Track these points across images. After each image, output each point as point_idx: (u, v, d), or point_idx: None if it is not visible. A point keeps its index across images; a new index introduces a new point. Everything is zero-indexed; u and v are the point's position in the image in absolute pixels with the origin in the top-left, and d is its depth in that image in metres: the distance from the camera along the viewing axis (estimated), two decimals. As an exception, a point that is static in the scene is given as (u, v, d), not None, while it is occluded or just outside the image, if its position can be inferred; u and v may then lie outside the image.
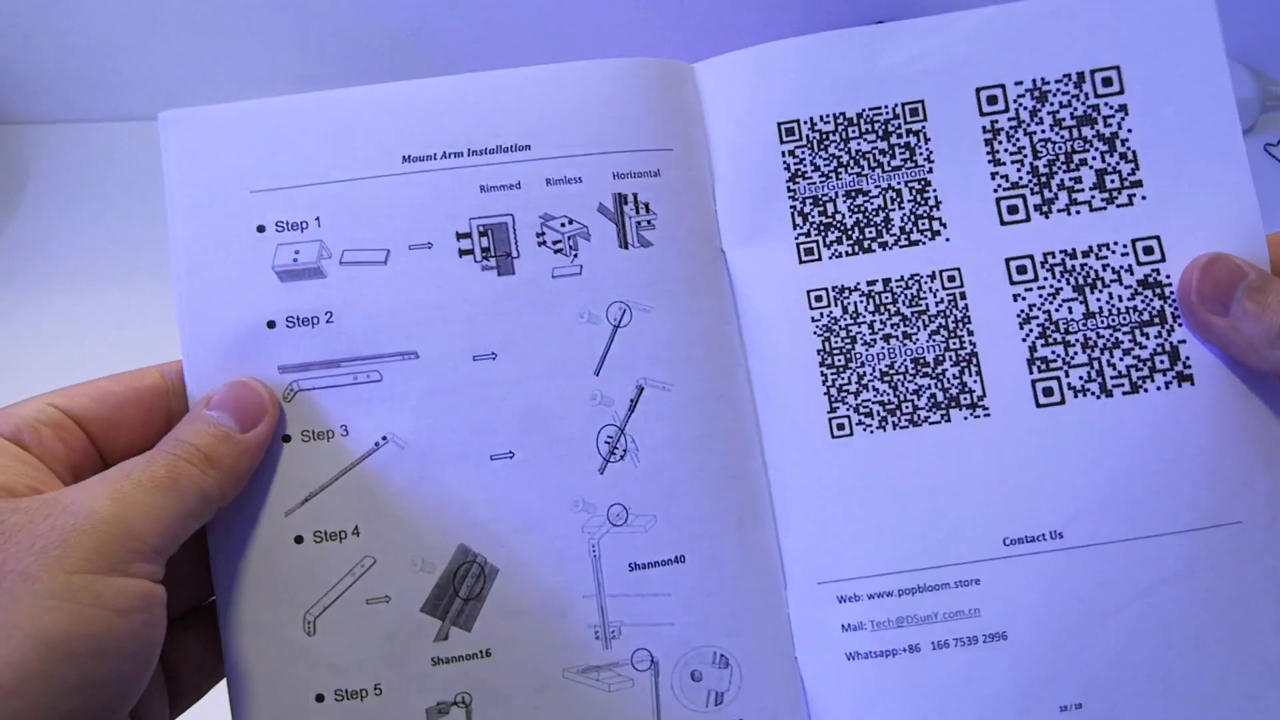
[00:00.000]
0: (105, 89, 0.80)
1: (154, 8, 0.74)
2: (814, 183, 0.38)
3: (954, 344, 0.37)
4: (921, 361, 0.37)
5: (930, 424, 0.37)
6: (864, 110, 0.38)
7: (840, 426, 0.37)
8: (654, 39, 0.77)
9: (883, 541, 0.36)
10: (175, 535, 0.31)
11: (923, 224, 0.38)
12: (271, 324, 0.36)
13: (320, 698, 0.34)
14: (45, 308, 0.76)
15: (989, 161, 0.38)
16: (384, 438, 0.36)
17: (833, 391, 0.37)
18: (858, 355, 0.37)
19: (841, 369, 0.37)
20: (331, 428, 0.36)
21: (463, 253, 0.36)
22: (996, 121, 0.38)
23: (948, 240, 0.38)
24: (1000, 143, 0.38)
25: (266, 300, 0.36)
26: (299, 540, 0.35)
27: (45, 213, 0.79)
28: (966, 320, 0.37)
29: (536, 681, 0.35)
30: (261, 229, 0.36)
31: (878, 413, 0.37)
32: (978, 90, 0.38)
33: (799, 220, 0.38)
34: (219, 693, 0.36)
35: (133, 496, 0.30)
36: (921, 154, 0.38)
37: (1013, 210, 0.37)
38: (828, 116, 0.38)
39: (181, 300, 0.36)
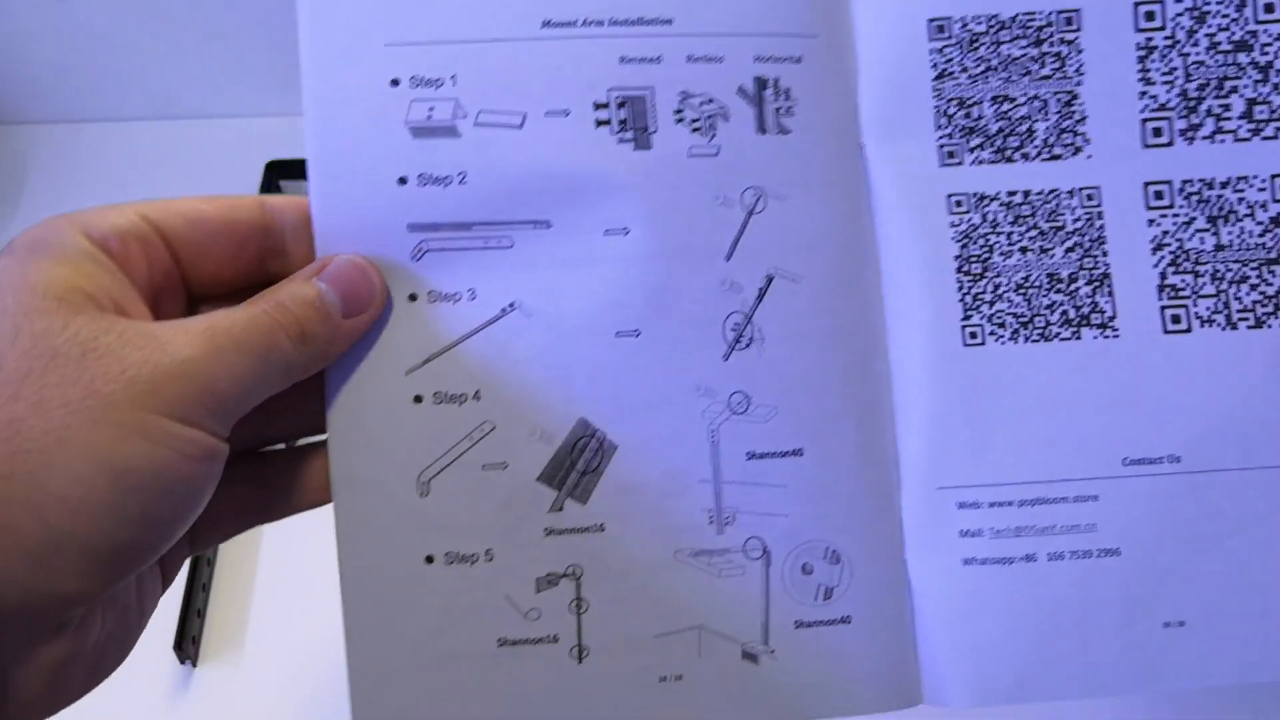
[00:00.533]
0: (105, 89, 0.80)
1: (154, 8, 0.74)
2: (960, 84, 0.37)
3: (1088, 263, 0.37)
4: (1056, 277, 0.37)
5: (1061, 340, 0.36)
6: (1018, 14, 0.37)
7: (973, 335, 0.36)
8: None
9: (1007, 452, 0.36)
10: (250, 402, 0.31)
11: (1066, 138, 0.37)
12: (403, 180, 0.35)
13: (430, 559, 0.34)
14: None
15: (1139, 80, 0.37)
16: (511, 304, 0.35)
17: (968, 299, 0.37)
18: (994, 265, 0.37)
19: (978, 277, 0.37)
20: (459, 290, 0.35)
21: (599, 123, 0.35)
22: (1152, 39, 0.37)
23: (1089, 158, 0.37)
24: (1153, 62, 0.37)
25: (399, 156, 0.35)
26: (418, 400, 0.34)
27: (45, 213, 0.77)
28: (1101, 240, 0.37)
29: (648, 560, 0.35)
30: (396, 83, 0.35)
31: (1010, 324, 0.37)
32: (1136, 5, 0.37)
33: (943, 121, 0.37)
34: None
35: (226, 355, 0.29)
36: (1072, 65, 0.37)
37: (1157, 133, 0.37)
38: (980, 17, 0.37)
39: (313, 152, 0.35)
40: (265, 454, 0.36)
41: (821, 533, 0.36)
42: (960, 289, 0.37)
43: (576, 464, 0.34)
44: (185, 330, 0.29)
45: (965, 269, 0.37)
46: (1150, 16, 0.37)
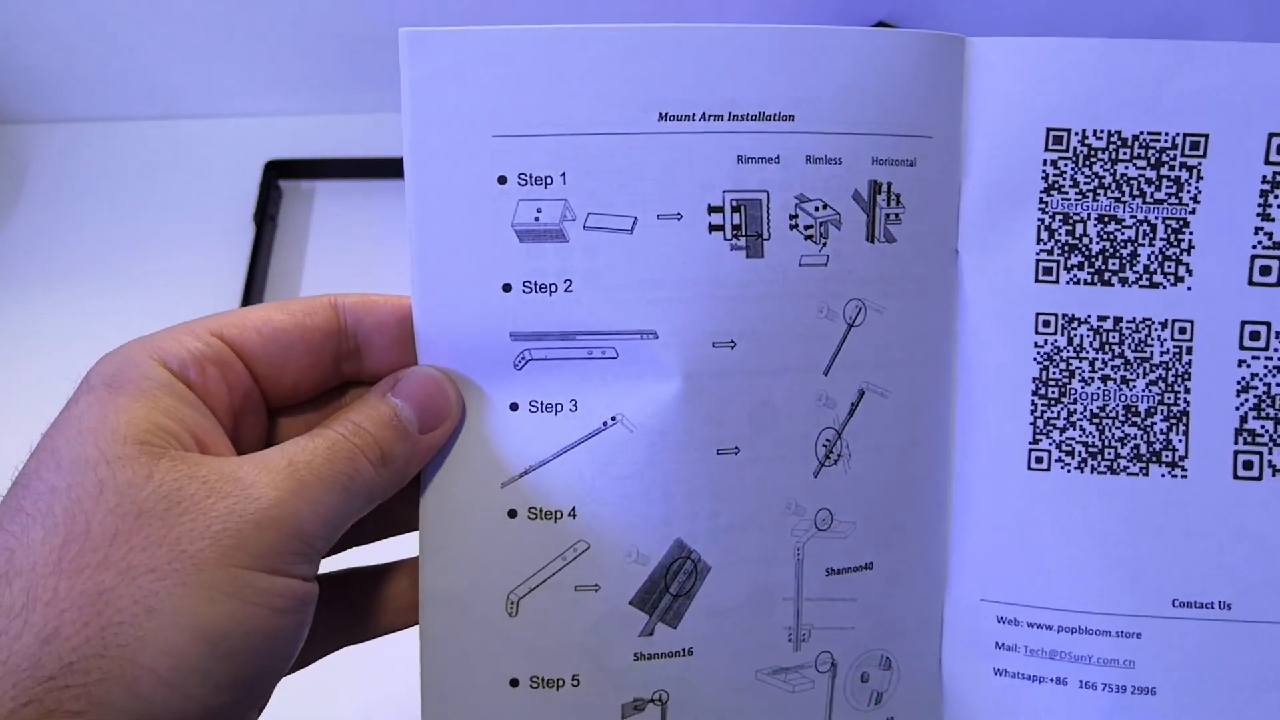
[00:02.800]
0: (105, 89, 0.79)
1: (154, 8, 0.72)
2: (1069, 199, 0.36)
3: (1168, 399, 0.37)
4: (1133, 409, 0.37)
5: (1128, 474, 0.37)
6: (1143, 133, 0.36)
7: (1039, 459, 0.37)
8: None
9: (1055, 577, 0.37)
10: (336, 535, 0.30)
11: (1169, 266, 0.36)
12: (507, 287, 0.33)
13: (515, 682, 0.34)
14: (45, 308, 0.74)
15: (1258, 215, 0.36)
16: (613, 418, 0.34)
17: (1039, 423, 0.37)
18: (1072, 391, 0.37)
19: (1053, 402, 0.37)
20: (562, 401, 0.34)
21: (713, 228, 0.34)
22: (1279, 173, 0.36)
23: (1189, 289, 0.36)
24: (1276, 197, 0.36)
25: (504, 261, 0.33)
26: (512, 515, 0.34)
27: (45, 213, 0.78)
28: (1186, 377, 0.37)
29: (731, 682, 0.35)
30: (503, 180, 0.32)
31: (1079, 453, 0.37)
32: (1270, 135, 0.36)
33: (1044, 235, 0.36)
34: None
35: (311, 491, 0.29)
36: (1189, 192, 0.36)
37: (1265, 271, 0.36)
38: (1102, 132, 0.36)
39: (416, 252, 0.32)
40: (352, 573, 0.35)
41: (879, 641, 0.37)
42: (1033, 411, 0.37)
43: (670, 587, 0.34)
44: (266, 468, 0.28)
45: (1041, 392, 0.37)
46: (1284, 149, 0.36)
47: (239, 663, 0.27)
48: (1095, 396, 0.37)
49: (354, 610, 0.34)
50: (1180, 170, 0.36)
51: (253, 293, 0.73)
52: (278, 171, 0.77)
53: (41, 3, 0.72)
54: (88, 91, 0.79)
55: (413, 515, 0.34)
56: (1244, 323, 0.37)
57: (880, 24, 0.75)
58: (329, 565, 0.33)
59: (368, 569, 0.36)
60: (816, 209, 0.34)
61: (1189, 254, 0.36)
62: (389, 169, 0.77)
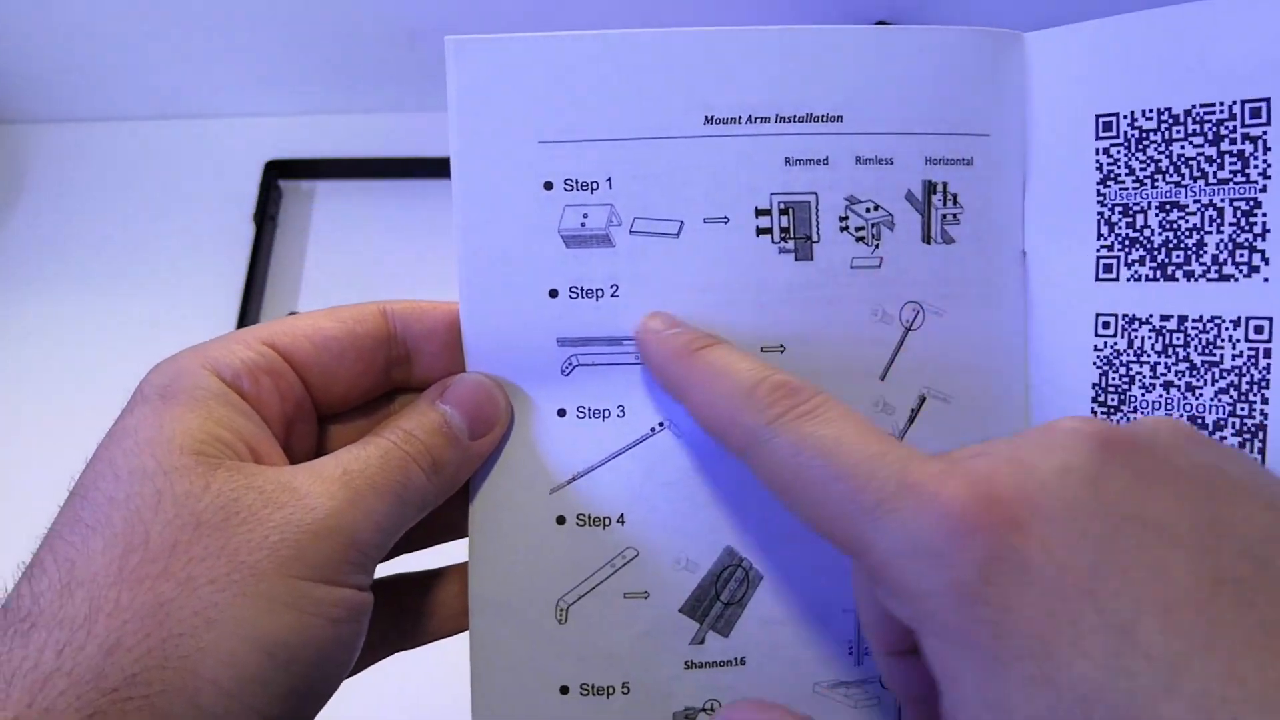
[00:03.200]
0: (105, 89, 0.79)
1: (154, 7, 0.72)
2: (1126, 188, 0.34)
3: (1241, 410, 0.33)
4: (1199, 423, 0.34)
5: None
6: (1194, 106, 0.33)
7: None
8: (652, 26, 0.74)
9: None
10: (389, 545, 0.30)
11: (1241, 255, 0.34)
12: (554, 293, 0.33)
13: (565, 689, 0.34)
14: (45, 307, 0.75)
15: None
16: (661, 423, 0.33)
17: None
18: (1132, 398, 0.35)
19: (1113, 410, 0.35)
20: (609, 406, 0.33)
21: (760, 231, 0.33)
22: None
23: (1266, 280, 0.33)
24: None
25: (551, 267, 0.33)
26: (560, 521, 0.33)
27: (45, 213, 0.79)
28: (1264, 385, 0.33)
29: (787, 694, 0.35)
30: (549, 186, 0.32)
31: (1142, 470, 0.35)
32: None
33: (1104, 230, 0.35)
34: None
35: (365, 500, 0.29)
36: (1256, 166, 0.33)
37: (1353, 256, 0.34)
38: (1151, 111, 0.34)
39: (464, 258, 0.33)
40: (402, 578, 0.35)
41: None
42: None
43: (721, 595, 0.34)
44: (321, 478, 0.29)
45: (1101, 399, 0.35)
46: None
47: (297, 673, 0.27)
48: (1157, 405, 0.34)
49: (405, 616, 0.35)
50: (1243, 143, 0.33)
51: (253, 293, 0.74)
52: (278, 171, 0.78)
53: (41, 3, 0.73)
54: (88, 91, 0.80)
55: (462, 521, 0.34)
56: None
57: (880, 24, 0.74)
58: (379, 571, 0.33)
59: (417, 574, 0.36)
60: (868, 210, 0.34)
61: (1263, 239, 0.33)
62: (389, 169, 0.78)
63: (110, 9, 0.73)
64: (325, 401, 0.33)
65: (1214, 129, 0.33)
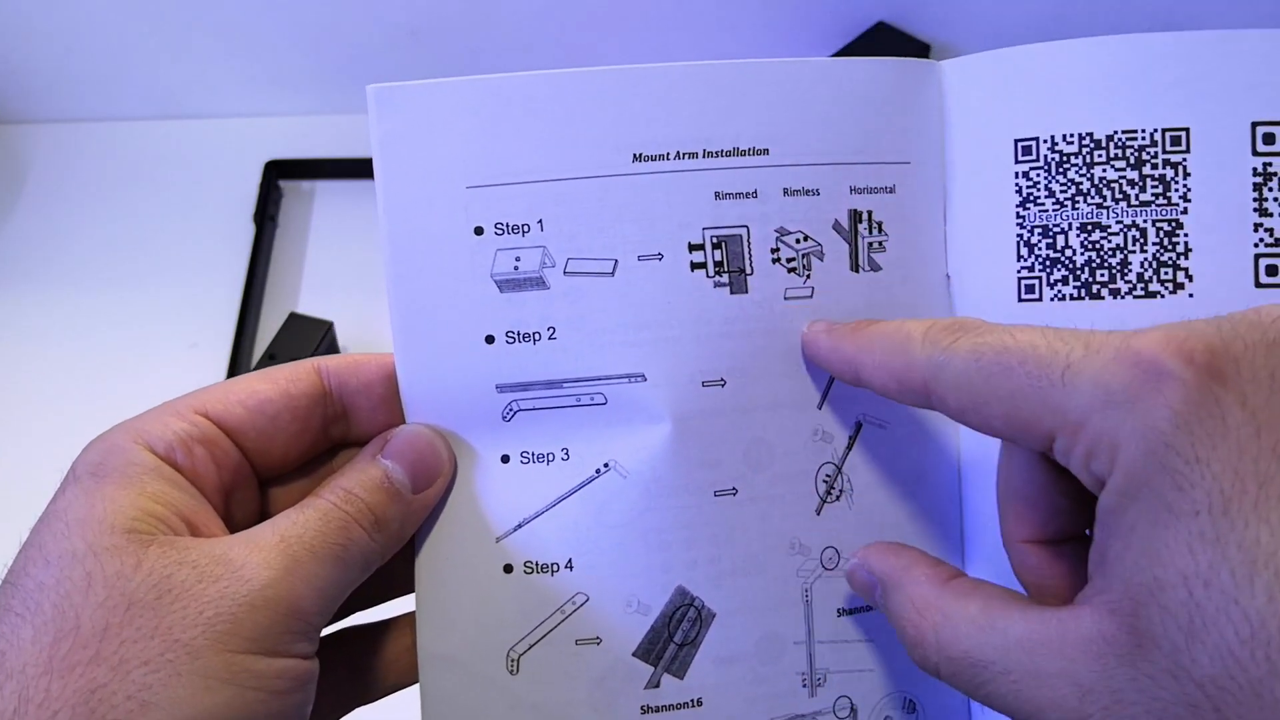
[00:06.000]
0: (105, 89, 0.80)
1: (154, 8, 0.73)
2: (1046, 210, 0.35)
3: None
4: None
5: None
6: (1116, 132, 0.34)
7: None
8: (656, 38, 0.77)
9: None
10: (333, 609, 0.29)
11: (1165, 273, 0.35)
12: (490, 339, 0.33)
13: None
14: (45, 307, 0.75)
15: (1254, 210, 0.35)
16: (605, 464, 0.33)
17: None
18: None
19: None
20: (552, 450, 0.33)
21: (694, 266, 0.33)
22: (1271, 165, 0.34)
23: (1191, 296, 0.35)
24: (1271, 190, 0.34)
25: (485, 312, 0.32)
26: (508, 569, 0.33)
27: (45, 213, 0.79)
28: None
29: None
30: (480, 230, 0.32)
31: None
32: (1254, 125, 0.34)
33: (1024, 251, 0.35)
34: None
35: (304, 566, 0.28)
36: (1177, 190, 0.34)
37: (1271, 271, 0.35)
38: (1072, 136, 0.35)
39: (396, 308, 0.32)
40: (352, 631, 0.35)
41: (901, 684, 0.36)
42: None
43: (674, 636, 0.33)
44: (258, 546, 0.28)
45: None
46: (1270, 140, 0.34)
47: None
48: None
49: (356, 672, 0.34)
50: (1164, 168, 0.34)
51: (253, 293, 0.73)
52: (278, 171, 0.78)
53: (41, 3, 0.73)
54: (88, 91, 0.80)
55: (413, 576, 0.33)
56: None
57: (880, 24, 0.75)
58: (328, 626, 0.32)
59: (367, 626, 0.35)
60: (798, 241, 0.34)
61: (1187, 258, 0.35)
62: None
63: (110, 9, 0.73)
64: (264, 465, 0.32)
65: (1135, 154, 0.34)
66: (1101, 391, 0.24)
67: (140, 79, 0.79)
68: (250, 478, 0.32)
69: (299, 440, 0.32)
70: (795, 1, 0.74)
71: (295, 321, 0.70)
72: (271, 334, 0.69)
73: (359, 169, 0.78)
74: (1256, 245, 0.34)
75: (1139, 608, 0.23)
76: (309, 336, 0.69)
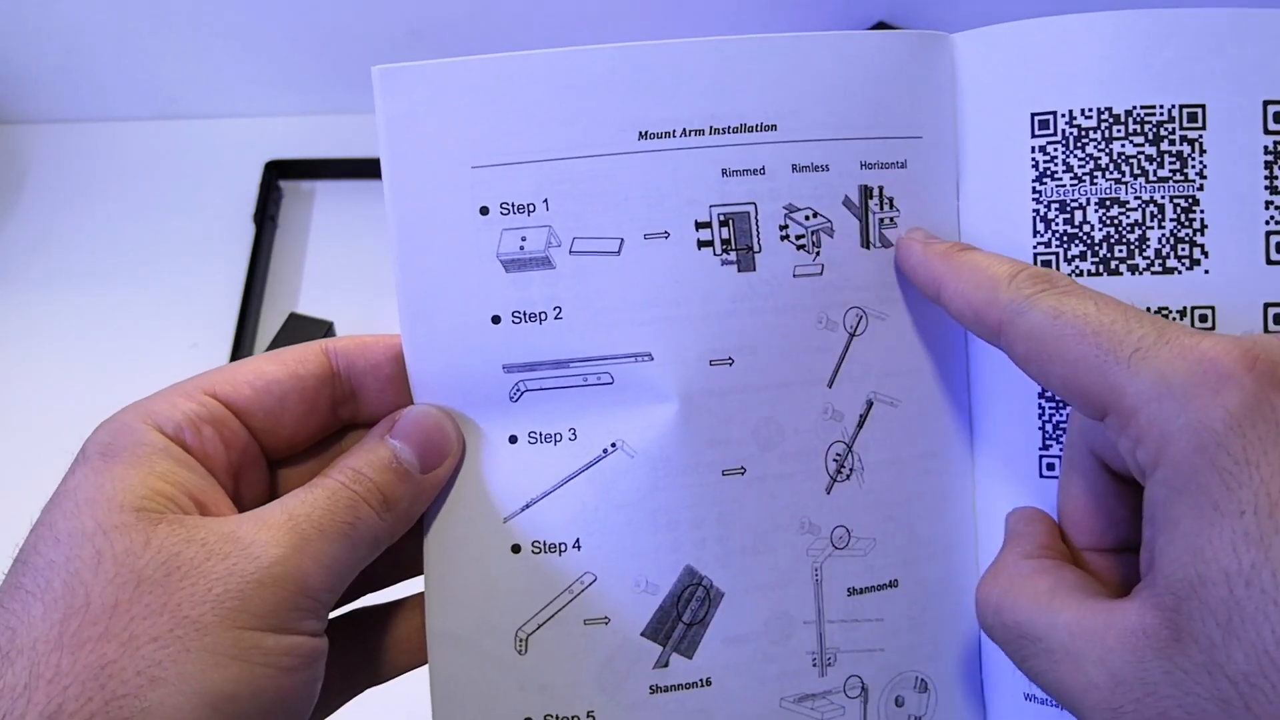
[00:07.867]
0: (105, 89, 0.80)
1: (154, 8, 0.73)
2: (1063, 185, 0.35)
3: None
4: None
5: None
6: (1135, 107, 0.34)
7: (1050, 466, 0.35)
8: (655, 39, 0.76)
9: None
10: (343, 586, 0.30)
11: (1183, 249, 0.34)
12: (496, 319, 0.32)
13: None
14: (45, 307, 0.75)
15: (1265, 189, 0.34)
16: (613, 444, 0.33)
17: (1048, 428, 0.35)
18: None
19: (1060, 406, 0.35)
20: (560, 430, 0.33)
21: (701, 244, 0.33)
22: None
23: (1206, 273, 0.34)
24: None
25: (491, 293, 0.32)
26: (516, 550, 0.33)
27: (45, 213, 0.79)
28: None
29: (754, 711, 0.34)
30: (485, 211, 0.32)
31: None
32: (1265, 104, 0.34)
33: (1040, 226, 0.35)
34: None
35: (313, 544, 0.28)
36: (1194, 167, 0.34)
37: (1280, 249, 0.35)
38: (1090, 110, 0.34)
39: (402, 290, 0.32)
40: (362, 613, 0.35)
41: (913, 663, 0.35)
42: (1041, 416, 0.35)
43: (683, 616, 0.33)
44: (266, 525, 0.28)
45: (1049, 395, 0.35)
46: (1280, 119, 0.34)
47: None
48: None
49: (367, 653, 0.34)
50: (1181, 144, 0.34)
51: (253, 293, 0.73)
52: (278, 171, 0.78)
53: (41, 3, 0.73)
54: (88, 91, 0.80)
55: (422, 557, 0.33)
56: (1267, 305, 0.35)
57: (880, 24, 0.75)
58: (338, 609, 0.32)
59: (377, 608, 0.35)
60: (807, 218, 0.34)
61: (1203, 234, 0.34)
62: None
63: (111, 9, 0.73)
64: (273, 446, 0.32)
65: (1154, 129, 0.34)
66: (1162, 382, 0.25)
67: (140, 79, 0.79)
68: (259, 458, 0.32)
69: (307, 421, 0.32)
70: (795, 1, 0.73)
71: (295, 321, 0.70)
72: (271, 334, 0.70)
73: (359, 169, 0.78)
74: (1268, 223, 0.34)
75: (1180, 603, 0.24)
76: (309, 337, 0.69)
